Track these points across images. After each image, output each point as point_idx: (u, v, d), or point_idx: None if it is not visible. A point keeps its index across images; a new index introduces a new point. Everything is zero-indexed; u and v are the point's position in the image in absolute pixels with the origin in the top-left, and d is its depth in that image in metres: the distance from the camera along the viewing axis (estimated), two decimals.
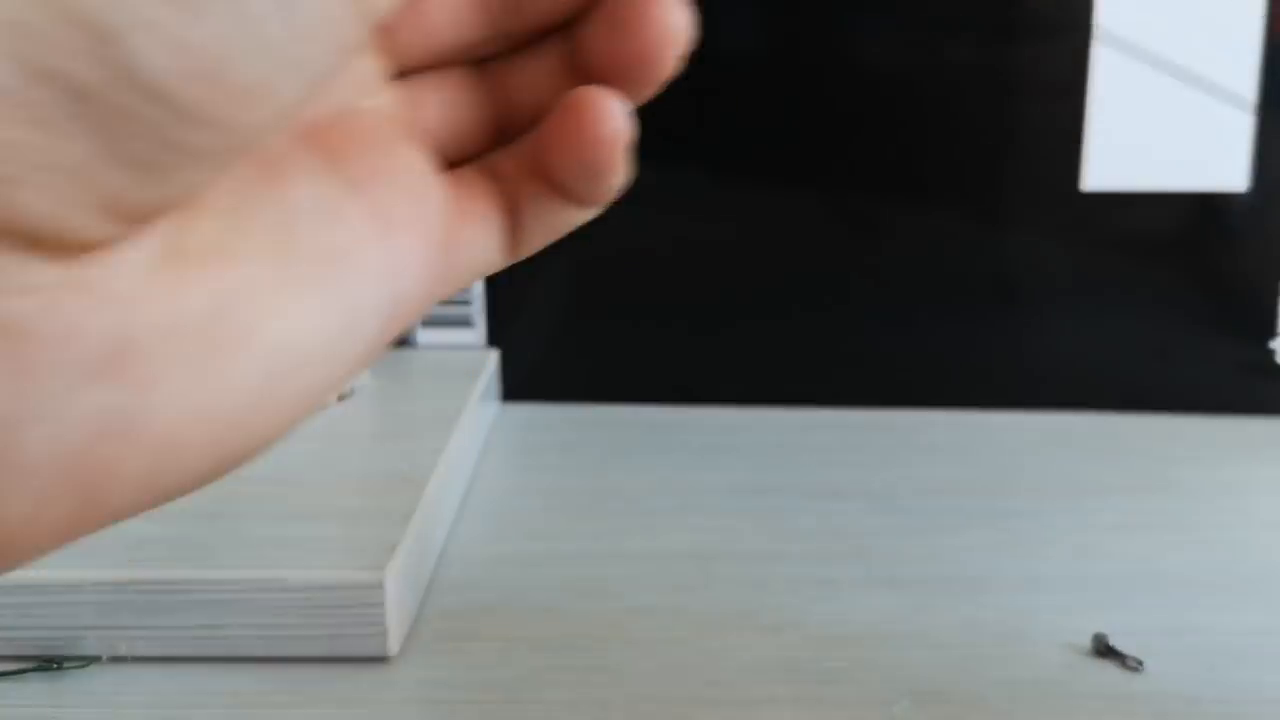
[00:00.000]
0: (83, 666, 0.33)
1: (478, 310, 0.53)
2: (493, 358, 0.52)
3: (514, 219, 0.24)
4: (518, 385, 0.53)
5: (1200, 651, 0.35)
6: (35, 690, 0.33)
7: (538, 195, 0.24)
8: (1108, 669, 0.34)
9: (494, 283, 0.52)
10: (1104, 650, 0.34)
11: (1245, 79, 0.49)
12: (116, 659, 0.33)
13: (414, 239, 0.22)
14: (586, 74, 0.24)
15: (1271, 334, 0.51)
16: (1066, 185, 0.50)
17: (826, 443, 0.49)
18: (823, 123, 0.50)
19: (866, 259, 0.52)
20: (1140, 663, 0.34)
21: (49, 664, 0.33)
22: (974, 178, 0.50)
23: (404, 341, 0.53)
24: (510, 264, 0.25)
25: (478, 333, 0.53)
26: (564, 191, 0.24)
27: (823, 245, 0.51)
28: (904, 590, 0.38)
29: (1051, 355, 0.52)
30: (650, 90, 0.24)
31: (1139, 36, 0.48)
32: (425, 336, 0.53)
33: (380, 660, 0.34)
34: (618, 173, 0.24)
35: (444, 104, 0.25)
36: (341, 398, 0.47)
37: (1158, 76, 0.49)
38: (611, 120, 0.23)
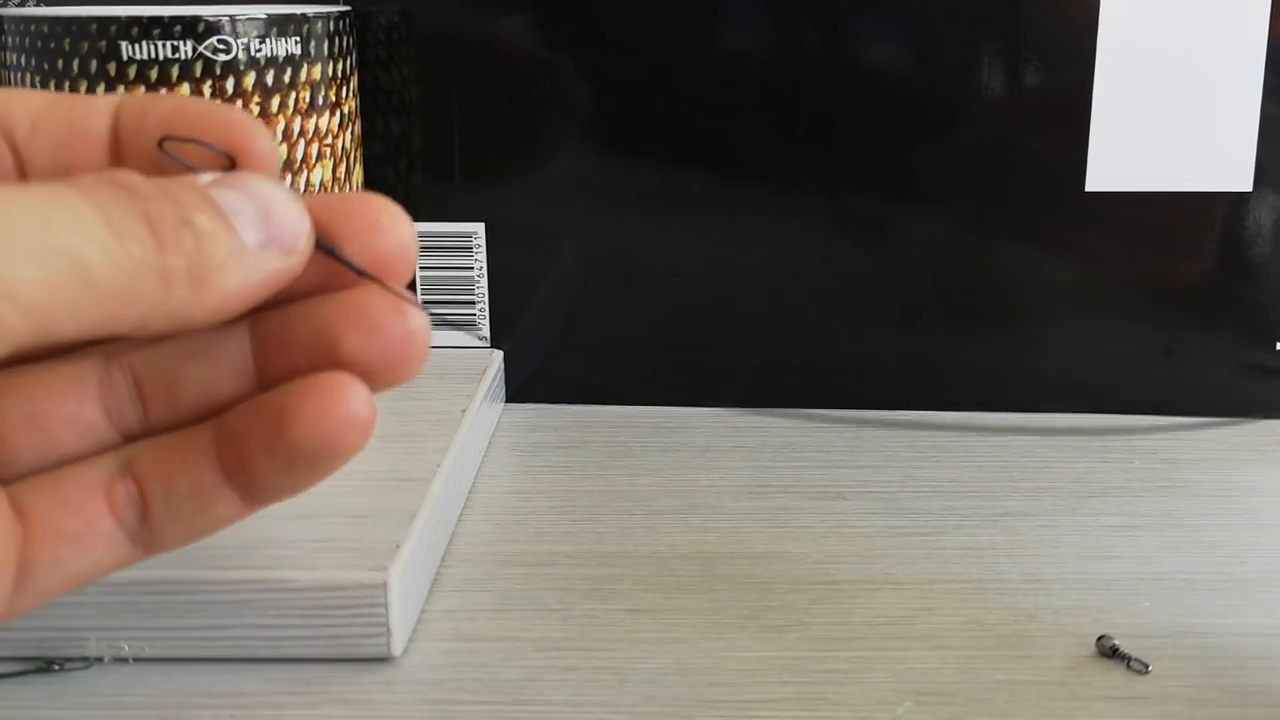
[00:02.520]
0: (84, 667, 0.33)
1: (482, 311, 0.53)
2: (497, 358, 0.52)
3: (144, 520, 0.24)
4: (522, 386, 0.53)
5: (1205, 654, 0.34)
6: (36, 691, 0.33)
7: (194, 489, 0.23)
8: (1112, 671, 0.34)
9: (499, 284, 0.52)
10: (1109, 652, 0.34)
11: (1250, 79, 0.48)
12: (118, 660, 0.33)
13: None
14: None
15: (1277, 336, 0.51)
16: (1069, 185, 0.50)
17: (829, 444, 0.49)
18: (823, 123, 0.50)
19: (869, 259, 0.52)
20: (1146, 665, 0.33)
21: (50, 664, 0.33)
22: (975, 178, 0.50)
23: None
24: (143, 559, 0.24)
25: (482, 334, 0.53)
26: (262, 480, 0.23)
27: (825, 246, 0.51)
28: (907, 591, 0.38)
29: (1054, 356, 0.52)
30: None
31: (1143, 36, 0.48)
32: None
33: (384, 661, 0.34)
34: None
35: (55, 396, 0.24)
36: None
37: (1162, 76, 0.49)
38: (357, 400, 0.23)
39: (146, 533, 0.24)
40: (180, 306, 0.21)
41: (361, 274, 0.23)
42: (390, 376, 0.23)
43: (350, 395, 0.22)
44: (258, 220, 0.22)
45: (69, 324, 0.19)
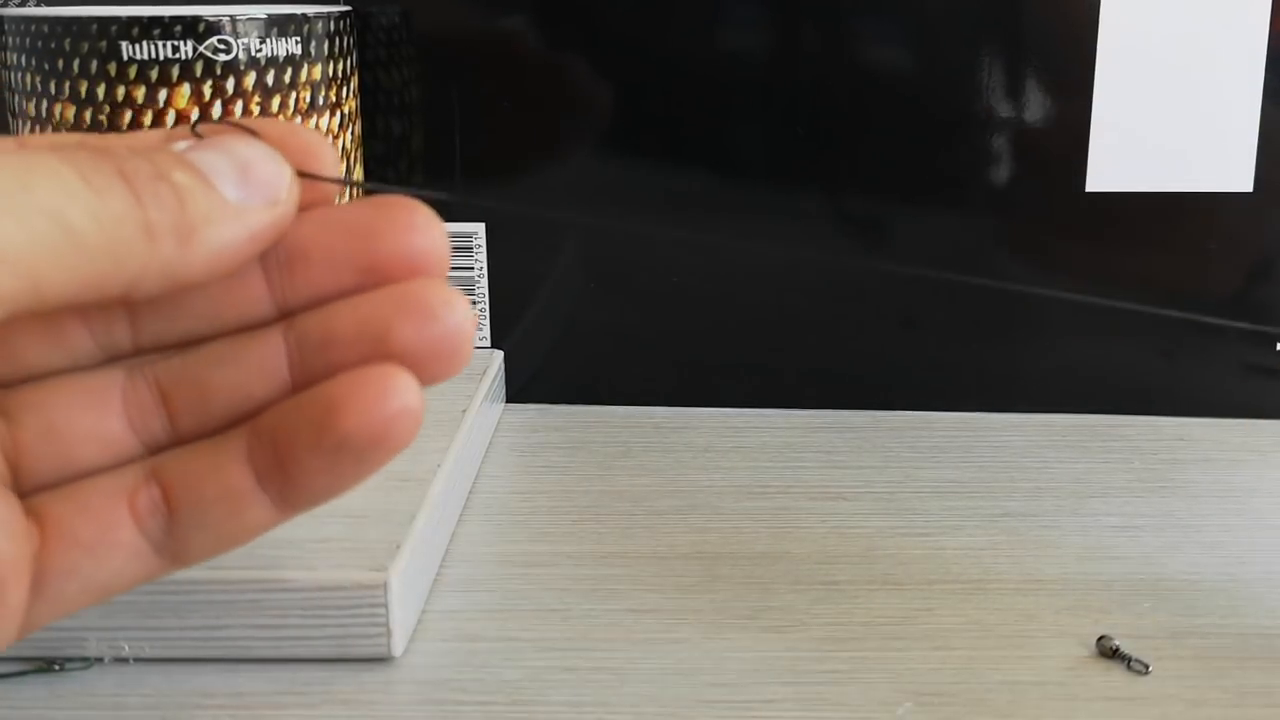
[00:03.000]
0: (85, 667, 0.33)
1: (483, 311, 0.53)
2: (497, 359, 0.52)
3: (169, 528, 0.23)
4: (522, 386, 0.53)
5: (1206, 655, 0.34)
6: (36, 691, 0.33)
7: (224, 493, 0.23)
8: (1112, 671, 0.34)
9: (499, 284, 0.52)
10: (1110, 653, 0.34)
11: (1250, 79, 0.48)
12: (119, 660, 0.33)
13: None
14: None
15: (1277, 336, 0.51)
16: (1070, 186, 0.50)
17: (830, 444, 0.49)
18: (824, 124, 0.50)
19: (869, 260, 0.52)
20: (1146, 666, 0.33)
21: (50, 664, 0.33)
22: (975, 178, 0.50)
23: None
24: (171, 572, 0.23)
25: (482, 333, 0.53)
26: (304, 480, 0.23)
27: (825, 246, 0.51)
28: (907, 591, 0.38)
29: (1054, 357, 0.52)
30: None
31: (1143, 36, 0.48)
32: None
33: (384, 661, 0.34)
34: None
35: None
36: None
37: (1162, 77, 0.49)
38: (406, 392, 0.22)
39: (173, 542, 0.23)
40: (170, 263, 0.20)
41: (350, 184, 0.23)
42: (442, 368, 0.22)
43: (404, 386, 0.22)
44: (236, 175, 0.21)
45: (60, 283, 0.19)
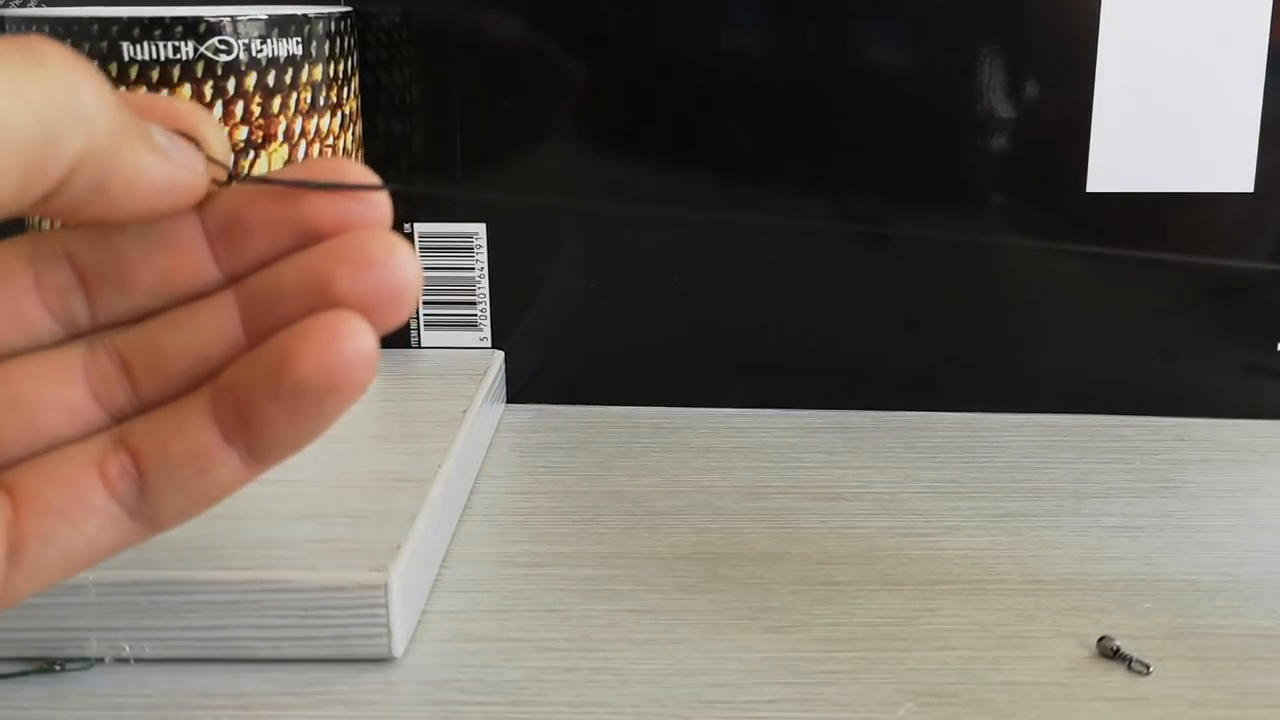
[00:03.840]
0: (85, 667, 0.33)
1: (483, 311, 0.53)
2: (498, 359, 0.52)
3: (141, 492, 0.23)
4: (523, 387, 0.53)
5: (1207, 655, 0.34)
6: (36, 691, 0.33)
7: (191, 451, 0.23)
8: (1113, 672, 0.34)
9: (499, 284, 0.52)
10: (1110, 653, 0.34)
11: (1251, 79, 0.48)
12: (119, 660, 0.33)
13: None
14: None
15: (1278, 337, 0.51)
16: (1071, 186, 0.50)
17: (830, 444, 0.49)
18: (826, 124, 0.50)
19: (869, 260, 0.52)
20: (1147, 666, 0.33)
21: (51, 665, 0.33)
22: (976, 179, 0.50)
23: (408, 343, 0.53)
24: (148, 537, 0.24)
25: (483, 334, 0.53)
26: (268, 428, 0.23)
27: (826, 246, 0.51)
28: (908, 592, 0.38)
29: (1055, 357, 0.52)
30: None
31: (1144, 37, 0.48)
32: (430, 338, 0.53)
33: (385, 661, 0.34)
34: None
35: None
36: None
37: (1163, 77, 0.49)
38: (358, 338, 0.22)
39: (146, 506, 0.23)
40: (101, 159, 0.20)
41: (299, 185, 0.23)
42: (385, 315, 0.22)
43: (352, 329, 0.22)
44: (166, 131, 0.22)
45: None
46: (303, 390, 0.22)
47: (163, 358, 0.24)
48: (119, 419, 0.24)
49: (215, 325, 0.24)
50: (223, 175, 0.24)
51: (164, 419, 0.23)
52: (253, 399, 0.22)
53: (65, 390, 0.24)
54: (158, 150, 0.22)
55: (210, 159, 0.23)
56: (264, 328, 0.23)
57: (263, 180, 0.24)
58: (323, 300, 0.22)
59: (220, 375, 0.23)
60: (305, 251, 0.23)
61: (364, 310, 0.22)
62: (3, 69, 0.19)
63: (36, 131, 0.19)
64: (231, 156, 0.24)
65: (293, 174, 0.24)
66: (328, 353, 0.22)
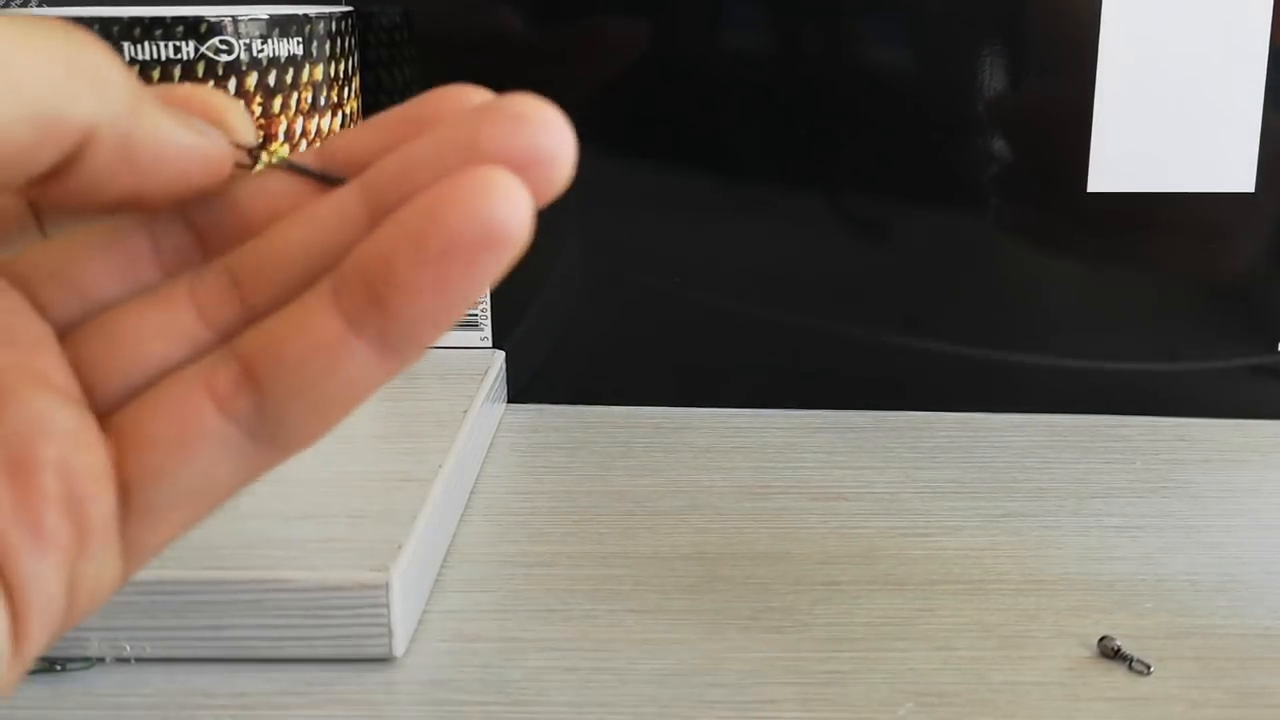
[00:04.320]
0: (86, 667, 0.33)
1: (484, 311, 0.53)
2: (499, 359, 0.52)
3: (260, 405, 0.20)
4: (523, 387, 0.53)
5: (1207, 655, 0.34)
6: (38, 691, 0.33)
7: (314, 345, 0.20)
8: (1113, 672, 0.34)
9: (500, 284, 0.52)
10: (1111, 653, 0.34)
11: (1252, 79, 0.48)
12: (120, 660, 0.33)
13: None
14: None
15: (1278, 337, 0.51)
16: (1071, 186, 0.50)
17: (831, 444, 0.49)
18: (826, 124, 0.50)
19: (870, 260, 0.52)
20: (1148, 666, 0.33)
21: (52, 665, 0.33)
22: (977, 179, 0.50)
23: None
24: (278, 462, 0.21)
25: (483, 334, 0.53)
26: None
27: (826, 246, 0.51)
28: (908, 592, 0.38)
29: (1056, 357, 0.52)
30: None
31: (1144, 37, 0.48)
32: None
33: (386, 661, 0.34)
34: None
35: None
36: None
37: (1164, 77, 0.49)
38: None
39: (269, 423, 0.20)
40: (125, 121, 0.19)
41: (335, 181, 0.21)
42: (539, 179, 0.20)
43: (506, 181, 0.19)
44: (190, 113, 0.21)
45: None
46: (454, 247, 0.19)
47: (275, 257, 0.21)
48: (230, 336, 0.21)
49: (335, 213, 0.21)
50: (247, 159, 0.22)
51: (279, 320, 0.20)
52: (391, 270, 0.19)
53: (168, 314, 0.21)
54: (183, 121, 0.20)
55: (236, 143, 0.21)
56: (394, 205, 0.20)
57: (291, 166, 0.22)
58: (469, 159, 0.20)
59: (345, 260, 0.20)
60: (439, 125, 0.21)
61: (517, 171, 0.20)
62: (10, 24, 0.18)
63: (45, 84, 0.18)
64: (259, 138, 0.22)
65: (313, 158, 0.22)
66: (485, 203, 0.19)
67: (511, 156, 0.20)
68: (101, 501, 0.20)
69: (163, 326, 0.21)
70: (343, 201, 0.21)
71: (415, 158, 0.20)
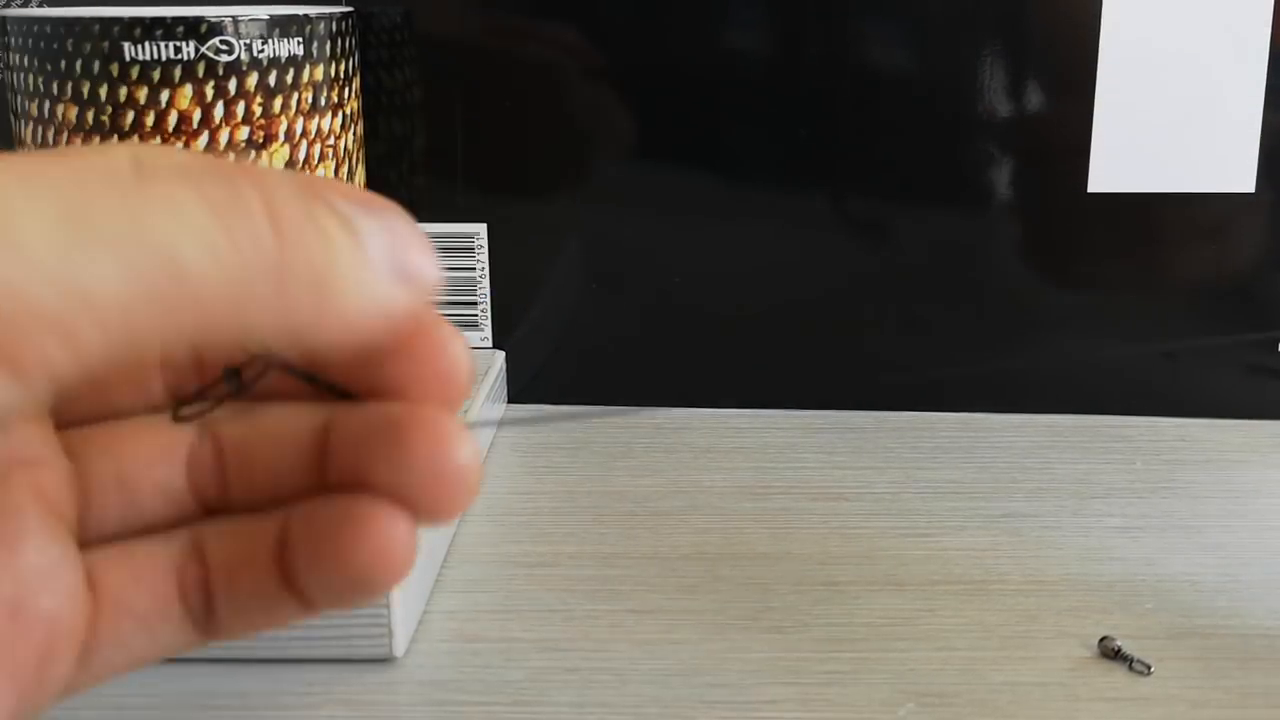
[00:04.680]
0: None
1: (484, 311, 0.53)
2: (499, 359, 0.52)
3: (209, 607, 0.22)
4: (524, 387, 0.53)
5: (1208, 655, 0.34)
6: None
7: (256, 590, 0.22)
8: (1114, 672, 0.34)
9: (500, 284, 0.52)
10: (1111, 653, 0.34)
11: (1252, 80, 0.48)
12: None
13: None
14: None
15: (1278, 337, 0.51)
16: (1072, 186, 0.50)
17: (831, 445, 0.49)
18: (826, 125, 0.50)
19: (870, 260, 0.52)
20: (1148, 666, 0.33)
21: None
22: (977, 179, 0.50)
23: None
24: (201, 646, 0.23)
25: (483, 334, 0.53)
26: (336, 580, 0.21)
27: (826, 247, 0.51)
28: (909, 592, 0.38)
29: (1056, 357, 0.52)
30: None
31: (1145, 38, 0.48)
32: None
33: (386, 661, 0.34)
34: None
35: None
36: None
37: (1164, 78, 0.49)
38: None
39: (209, 620, 0.22)
40: (299, 316, 0.18)
41: (345, 396, 0.22)
42: (433, 512, 0.21)
43: (387, 527, 0.21)
44: (386, 240, 0.19)
45: (159, 331, 0.16)
46: (343, 575, 0.21)
47: (251, 465, 0.22)
48: (205, 509, 0.23)
49: (295, 446, 0.22)
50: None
51: (238, 541, 0.22)
52: (298, 561, 0.21)
53: (169, 472, 0.22)
54: (367, 280, 0.19)
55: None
56: (336, 471, 0.22)
57: (309, 378, 0.22)
58: (368, 483, 0.21)
59: (290, 513, 0.22)
60: (389, 406, 0.21)
61: (408, 502, 0.21)
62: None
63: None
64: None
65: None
66: (359, 548, 0.21)
67: (403, 491, 0.21)
68: (67, 658, 0.21)
69: (162, 483, 0.22)
70: (304, 434, 0.22)
71: (365, 433, 0.21)
